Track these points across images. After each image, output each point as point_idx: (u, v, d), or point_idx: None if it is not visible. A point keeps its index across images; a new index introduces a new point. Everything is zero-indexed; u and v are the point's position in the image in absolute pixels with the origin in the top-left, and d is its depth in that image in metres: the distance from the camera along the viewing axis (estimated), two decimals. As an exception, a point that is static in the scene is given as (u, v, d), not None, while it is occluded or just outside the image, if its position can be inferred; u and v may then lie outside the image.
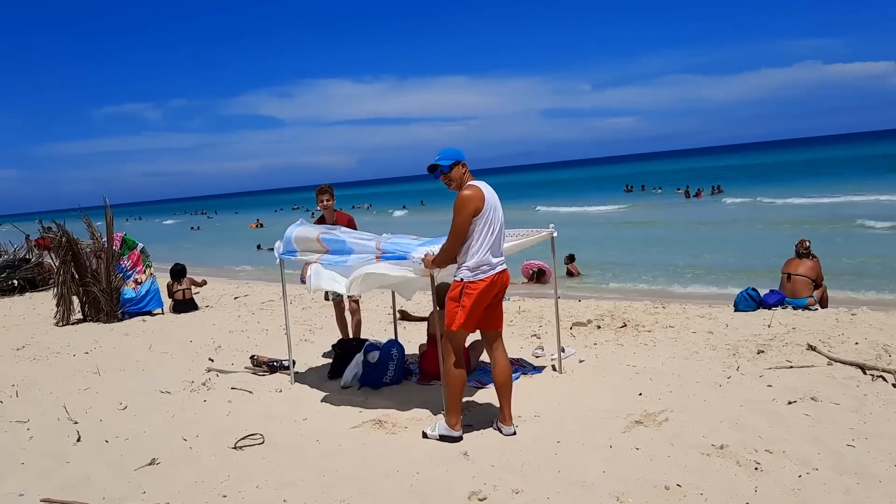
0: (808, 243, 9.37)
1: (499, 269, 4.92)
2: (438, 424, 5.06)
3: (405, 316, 9.89)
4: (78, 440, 5.43)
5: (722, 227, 24.89)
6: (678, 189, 48.01)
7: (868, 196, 29.86)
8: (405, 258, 5.52)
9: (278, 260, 6.62)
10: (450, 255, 5.01)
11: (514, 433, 5.06)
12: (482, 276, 4.86)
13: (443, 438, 4.99)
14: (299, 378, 7.00)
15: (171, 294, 12.17)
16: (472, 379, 6.42)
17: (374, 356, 6.45)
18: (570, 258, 16.56)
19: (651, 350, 7.31)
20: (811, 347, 6.82)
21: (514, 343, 7.96)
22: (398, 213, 55.88)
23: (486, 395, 5.98)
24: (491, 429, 5.20)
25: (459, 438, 4.99)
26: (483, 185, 4.88)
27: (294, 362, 7.40)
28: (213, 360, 8.12)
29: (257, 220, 55.88)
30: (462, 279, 4.93)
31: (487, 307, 5.01)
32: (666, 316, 9.17)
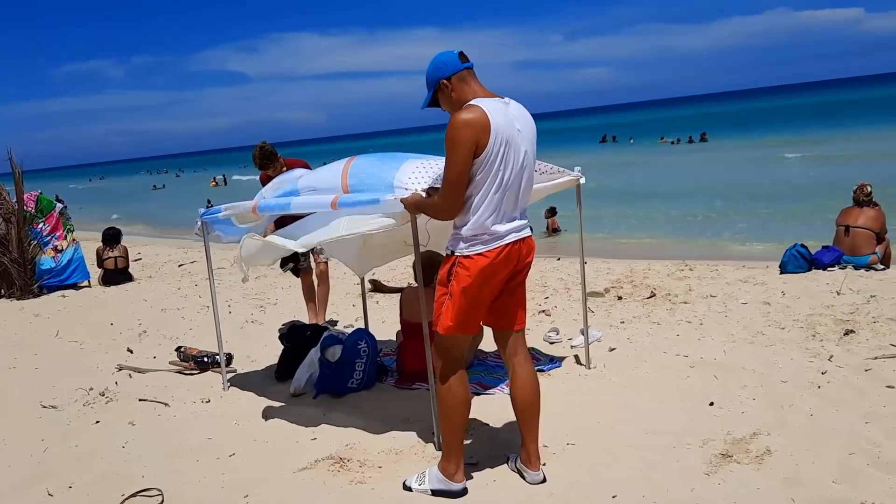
0: (869, 188, 7.70)
1: (511, 238, 3.13)
2: (429, 473, 3.32)
3: (378, 287, 8.11)
4: None
5: (713, 170, 23.20)
6: (662, 139, 46.13)
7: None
8: (377, 202, 3.67)
9: (199, 223, 4.82)
10: (440, 213, 3.25)
11: (544, 479, 3.34)
12: (482, 249, 3.09)
13: (437, 494, 3.26)
14: (237, 380, 5.24)
15: (100, 262, 10.24)
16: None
17: (335, 353, 4.67)
18: (552, 211, 14.84)
19: (699, 330, 5.62)
20: (915, 324, 5.18)
21: (519, 322, 6.22)
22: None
23: (493, 407, 4.24)
24: (506, 467, 3.49)
25: (462, 492, 3.26)
26: (490, 106, 3.04)
27: (230, 358, 5.64)
28: (132, 352, 6.32)
29: (214, 177, 51.76)
30: (453, 252, 3.17)
31: (499, 296, 3.26)
32: (699, 281, 7.49)
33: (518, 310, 3.38)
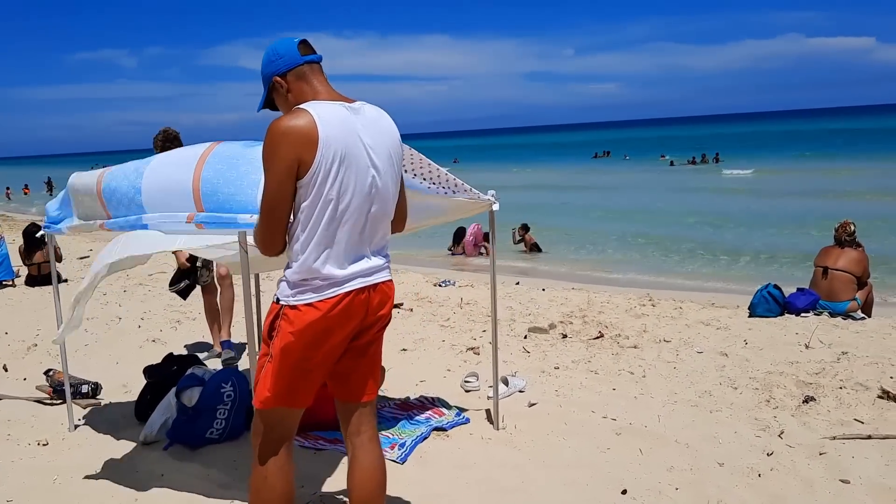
0: (852, 227, 6.94)
1: (355, 284, 2.40)
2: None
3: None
4: None
5: (713, 198, 22.45)
6: (662, 156, 45.39)
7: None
8: (233, 224, 2.96)
9: (41, 234, 4.09)
10: (257, 244, 2.51)
11: None
12: (312, 299, 2.36)
13: None
14: (94, 416, 4.50)
15: (24, 262, 9.50)
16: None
17: (192, 397, 3.93)
18: (525, 228, 14.15)
19: (639, 384, 4.87)
20: (887, 395, 4.42)
21: (440, 362, 5.48)
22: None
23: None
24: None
25: None
26: (326, 111, 2.31)
27: (97, 388, 4.90)
28: (6, 370, 5.59)
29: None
30: (277, 300, 2.44)
31: (343, 357, 2.53)
32: (657, 320, 6.73)
33: (367, 377, 2.63)
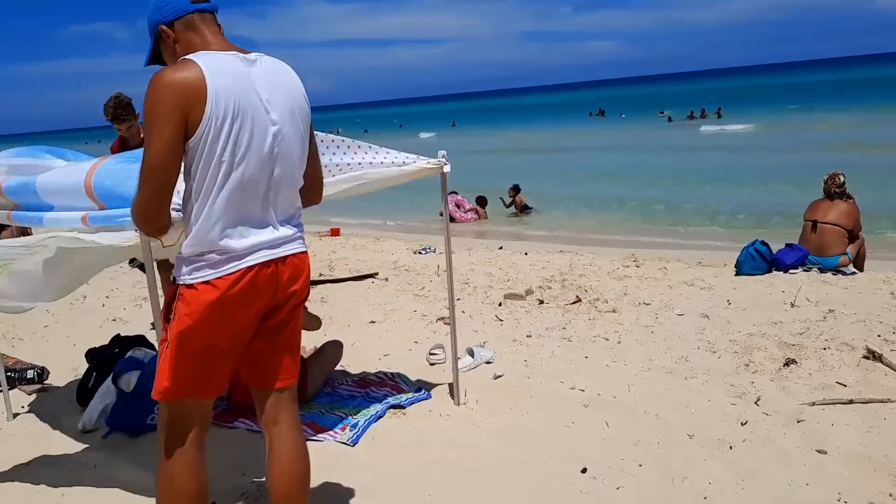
0: (841, 178, 6.63)
1: (258, 257, 2.15)
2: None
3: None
4: None
5: (709, 154, 22.01)
6: (661, 112, 44.69)
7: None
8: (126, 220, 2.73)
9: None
10: (135, 221, 2.21)
11: None
12: (210, 276, 2.10)
13: None
14: (39, 402, 4.28)
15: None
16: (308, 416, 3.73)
17: (130, 381, 3.70)
18: (516, 189, 13.87)
19: (613, 351, 4.62)
20: (872, 354, 4.17)
21: (409, 335, 5.23)
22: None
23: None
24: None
25: None
26: (216, 62, 2.05)
27: (44, 372, 4.67)
28: (-42, 356, 5.36)
29: None
30: (174, 279, 2.18)
31: (254, 339, 2.27)
32: (640, 281, 6.47)
33: (282, 359, 2.36)
